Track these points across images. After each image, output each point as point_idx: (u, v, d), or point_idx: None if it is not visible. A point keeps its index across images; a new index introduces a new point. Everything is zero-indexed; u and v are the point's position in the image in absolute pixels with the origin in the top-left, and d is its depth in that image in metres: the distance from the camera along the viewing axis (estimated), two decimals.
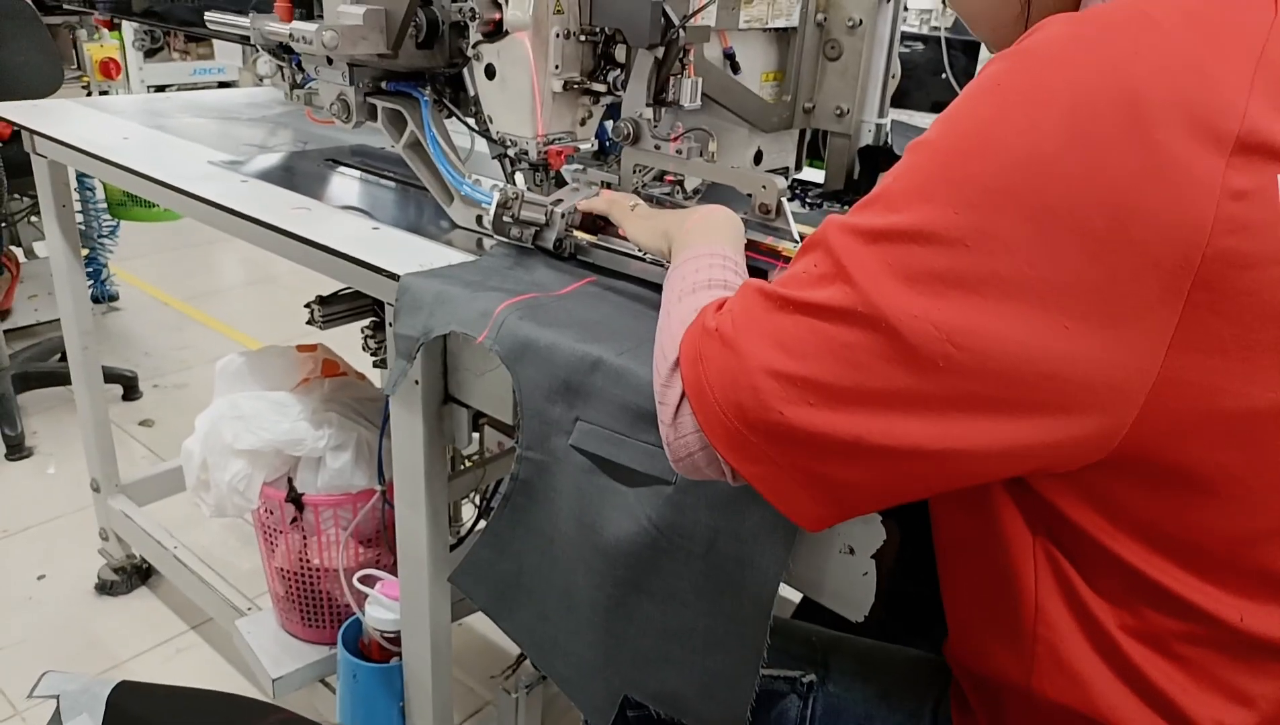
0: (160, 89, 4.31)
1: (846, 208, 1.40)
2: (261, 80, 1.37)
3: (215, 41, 4.23)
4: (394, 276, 1.00)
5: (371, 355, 1.39)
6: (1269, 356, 0.54)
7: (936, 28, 2.86)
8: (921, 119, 2.70)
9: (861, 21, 1.27)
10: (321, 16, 1.12)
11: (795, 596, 1.09)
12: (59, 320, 1.81)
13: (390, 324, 1.01)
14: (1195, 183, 0.50)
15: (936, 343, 0.53)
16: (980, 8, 0.73)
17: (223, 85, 4.73)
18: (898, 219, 0.55)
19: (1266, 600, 0.60)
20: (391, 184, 1.41)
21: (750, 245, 0.98)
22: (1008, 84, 0.54)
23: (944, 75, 2.63)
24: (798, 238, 0.97)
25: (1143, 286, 0.51)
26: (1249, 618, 0.60)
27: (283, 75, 1.30)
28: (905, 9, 1.37)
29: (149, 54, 4.32)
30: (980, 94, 0.56)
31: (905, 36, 2.69)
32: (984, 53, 2.77)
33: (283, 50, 1.23)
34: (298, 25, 1.08)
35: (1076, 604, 0.63)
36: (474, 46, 1.06)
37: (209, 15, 1.25)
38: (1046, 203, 0.51)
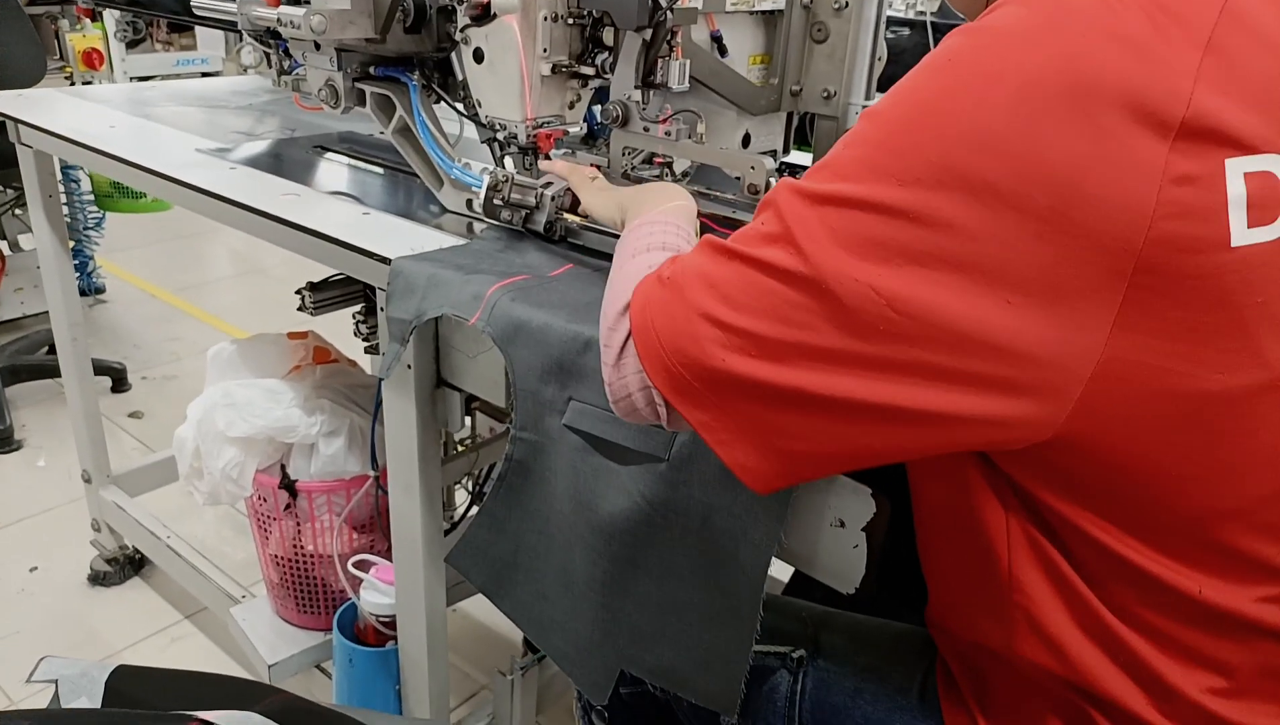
0: (143, 80, 4.27)
1: None
2: (245, 70, 1.37)
3: (198, 32, 4.20)
4: (385, 261, 1.01)
5: (363, 341, 1.39)
6: (1217, 340, 0.54)
7: (923, 12, 2.87)
8: None
9: (848, 4, 1.27)
10: (309, 1, 1.12)
11: (785, 574, 1.11)
12: (46, 313, 1.82)
13: (382, 308, 1.02)
14: (1137, 167, 0.51)
15: (876, 307, 0.54)
16: None
17: (205, 76, 4.69)
18: (844, 187, 0.56)
19: (1224, 575, 0.62)
20: (380, 169, 1.41)
21: (721, 220, 0.99)
22: (959, 60, 0.55)
23: None
24: None
25: (1086, 267, 0.52)
26: (1208, 590, 0.61)
27: (269, 62, 1.30)
28: None
29: (131, 45, 4.28)
30: (933, 69, 0.57)
31: (892, 21, 2.69)
32: None
33: (269, 36, 1.23)
34: (285, 10, 1.08)
35: (1054, 573, 0.64)
36: (462, 30, 1.07)
37: (195, 1, 1.25)
38: (989, 181, 0.52)
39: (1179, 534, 0.61)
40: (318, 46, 1.12)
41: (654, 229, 0.78)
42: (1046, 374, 0.54)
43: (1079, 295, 0.52)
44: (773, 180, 0.95)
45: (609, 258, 1.05)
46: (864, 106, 1.38)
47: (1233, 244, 0.52)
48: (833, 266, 0.55)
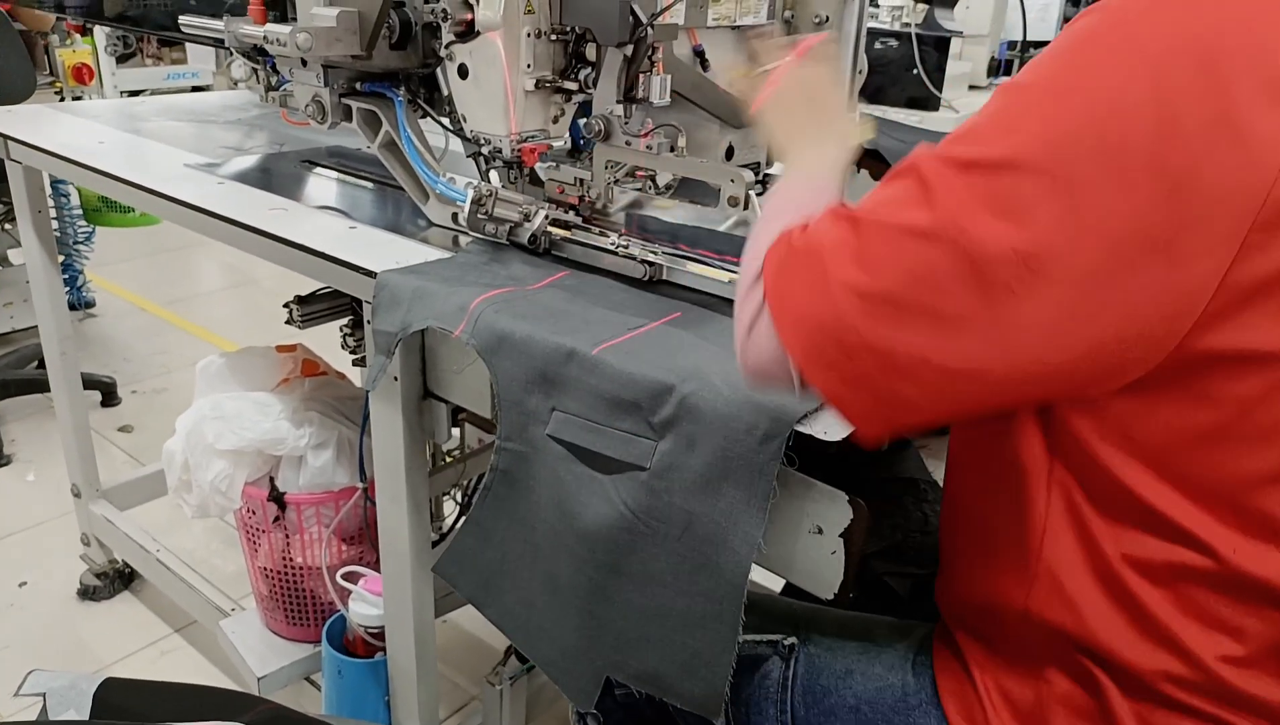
0: (133, 94, 4.28)
1: None
2: (235, 84, 1.38)
3: (188, 46, 4.22)
4: (371, 274, 1.02)
5: (351, 353, 1.41)
6: None
7: (908, 24, 2.89)
8: (896, 114, 2.73)
9: (828, 18, 1.29)
10: (295, 19, 1.14)
11: (777, 584, 1.12)
12: (35, 327, 1.81)
13: (369, 321, 1.03)
14: (1263, 136, 0.54)
15: (1012, 267, 0.57)
16: None
17: (196, 89, 4.70)
18: (987, 150, 0.59)
19: (1258, 540, 0.64)
20: (367, 184, 1.43)
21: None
22: (1098, 35, 0.59)
23: (915, 71, 2.66)
24: None
25: (1208, 230, 0.55)
26: (1240, 554, 0.64)
27: (257, 78, 1.31)
28: (876, 5, 1.39)
29: (121, 59, 4.30)
30: (1072, 44, 0.60)
31: (877, 33, 2.72)
32: (954, 48, 2.80)
33: (257, 53, 1.24)
34: (272, 28, 1.09)
35: (1082, 530, 0.67)
36: (447, 47, 1.08)
37: (183, 19, 1.26)
38: (1128, 147, 0.55)
39: (1222, 494, 0.63)
40: (304, 63, 1.14)
41: (797, 193, 0.77)
42: (1152, 331, 0.58)
43: (1198, 257, 0.56)
44: (753, 193, 0.97)
45: (593, 270, 1.07)
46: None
47: None
48: (976, 225, 0.58)
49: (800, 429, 0.73)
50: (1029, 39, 3.27)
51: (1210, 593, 0.65)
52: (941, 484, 1.07)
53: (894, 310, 0.60)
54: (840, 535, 0.76)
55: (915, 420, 0.66)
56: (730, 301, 1.00)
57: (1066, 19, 3.36)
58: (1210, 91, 0.54)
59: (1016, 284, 0.57)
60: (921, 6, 2.81)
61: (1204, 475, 0.63)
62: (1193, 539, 0.64)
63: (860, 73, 1.39)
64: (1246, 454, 0.62)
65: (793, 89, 0.88)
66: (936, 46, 2.70)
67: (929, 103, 2.71)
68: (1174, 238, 0.56)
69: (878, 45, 2.74)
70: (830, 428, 0.73)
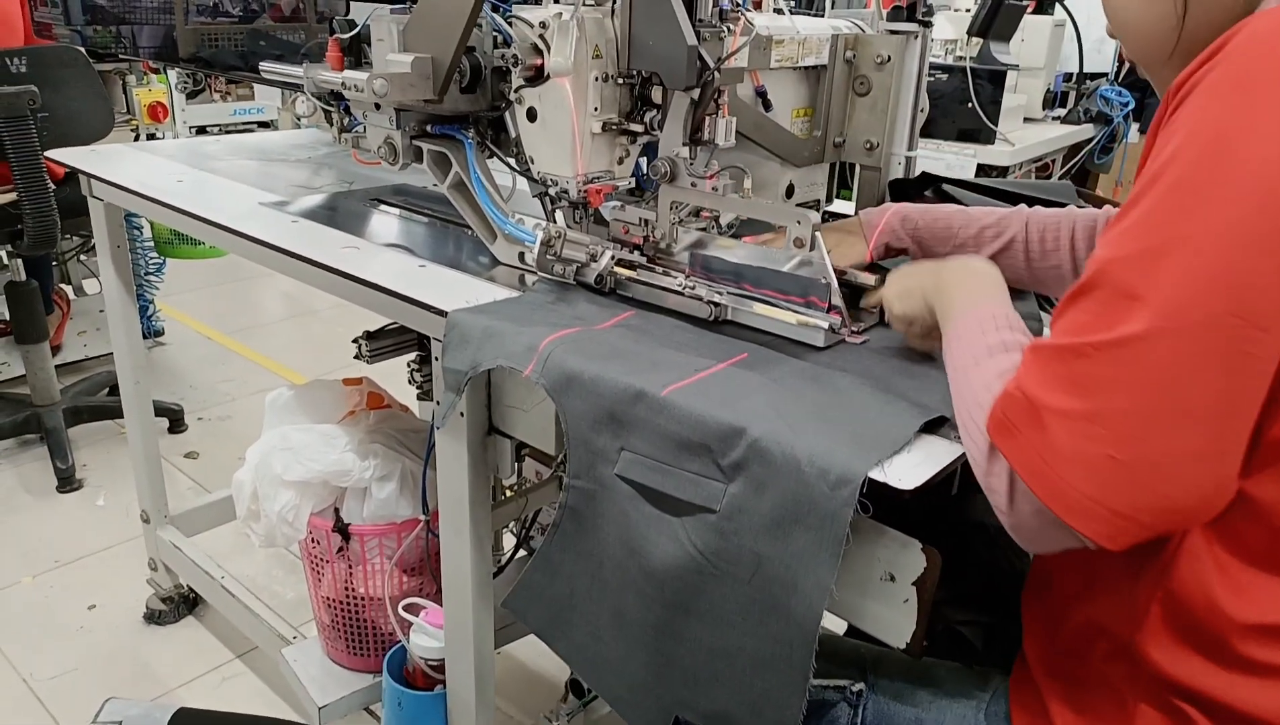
0: (202, 129, 4.44)
1: None
2: (299, 119, 1.43)
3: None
4: (442, 313, 1.04)
5: (417, 388, 1.43)
6: None
7: (962, 57, 2.89)
8: (949, 147, 2.72)
9: (890, 58, 1.30)
10: (369, 65, 1.17)
11: (841, 626, 1.11)
12: (107, 355, 1.88)
13: (437, 358, 1.05)
14: None
15: (1235, 342, 0.56)
16: (1135, 19, 0.73)
17: (262, 125, 4.87)
18: (1168, 235, 0.57)
19: None
20: (432, 221, 1.46)
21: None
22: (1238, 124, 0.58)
23: (970, 104, 2.65)
24: (831, 270, 0.99)
25: None
26: None
27: (330, 120, 1.35)
28: (930, 40, 1.40)
29: (191, 95, 4.47)
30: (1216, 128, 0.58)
31: (931, 66, 2.72)
32: (1009, 81, 2.79)
33: (332, 97, 1.28)
34: (349, 74, 1.13)
35: (1209, 576, 0.65)
36: (516, 91, 1.11)
37: (263, 66, 1.31)
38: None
39: None
40: (378, 106, 1.17)
41: (980, 327, 0.75)
42: None
43: None
44: (818, 235, 0.97)
45: (657, 309, 1.08)
46: (906, 156, 1.40)
47: None
48: (1194, 306, 0.56)
49: (874, 476, 0.73)
50: (1085, 71, 3.23)
51: None
52: None
53: (1127, 423, 0.57)
54: (913, 583, 0.75)
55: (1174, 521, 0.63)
56: (796, 342, 1.01)
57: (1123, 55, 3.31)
58: None
59: (1241, 357, 0.57)
60: (976, 40, 2.80)
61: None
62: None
63: (922, 111, 1.39)
64: None
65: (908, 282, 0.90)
66: (991, 80, 2.69)
67: (982, 135, 2.70)
68: None
69: (929, 78, 2.74)
70: (904, 476, 0.73)
